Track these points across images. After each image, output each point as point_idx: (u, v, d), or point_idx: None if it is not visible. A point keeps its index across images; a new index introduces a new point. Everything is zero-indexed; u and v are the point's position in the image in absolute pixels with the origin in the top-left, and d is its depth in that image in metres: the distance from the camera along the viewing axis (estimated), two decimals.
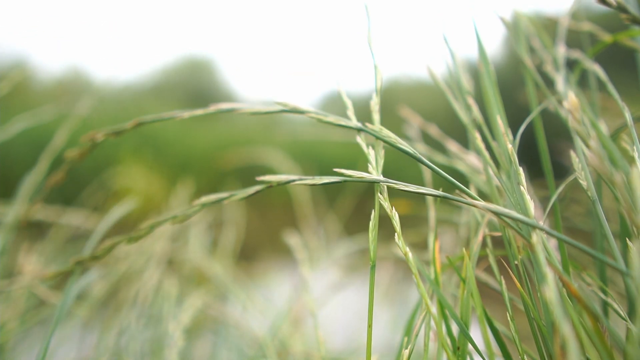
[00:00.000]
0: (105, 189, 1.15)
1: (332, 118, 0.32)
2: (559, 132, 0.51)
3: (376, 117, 0.33)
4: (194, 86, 7.19)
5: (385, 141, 0.32)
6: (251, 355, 0.59)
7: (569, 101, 0.27)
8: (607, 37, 0.41)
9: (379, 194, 0.30)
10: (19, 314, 0.61)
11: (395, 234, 0.30)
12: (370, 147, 0.32)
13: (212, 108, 0.31)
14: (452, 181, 0.30)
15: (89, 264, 0.28)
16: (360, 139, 0.33)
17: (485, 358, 0.29)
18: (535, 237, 0.26)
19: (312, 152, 4.32)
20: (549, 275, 0.23)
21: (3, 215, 0.61)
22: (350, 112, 0.33)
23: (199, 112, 0.31)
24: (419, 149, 0.51)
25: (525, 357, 0.30)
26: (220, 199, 0.28)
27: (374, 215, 0.30)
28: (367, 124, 0.32)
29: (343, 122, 0.32)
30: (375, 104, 0.33)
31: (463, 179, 0.41)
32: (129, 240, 0.27)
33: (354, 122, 0.32)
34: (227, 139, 4.27)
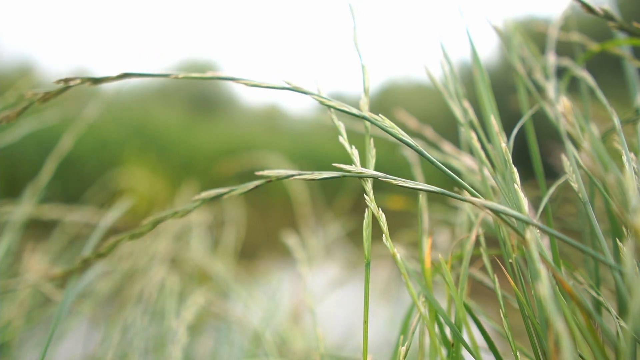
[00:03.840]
0: (109, 189, 1.16)
1: (334, 102, 0.31)
2: (546, 136, 0.53)
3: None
4: (197, 89, 7.21)
5: (386, 131, 0.31)
6: (252, 351, 0.60)
7: (563, 105, 0.28)
8: (594, 46, 0.42)
9: (365, 196, 0.30)
10: (25, 312, 0.62)
11: (383, 235, 0.29)
12: (371, 139, 0.31)
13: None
14: (453, 176, 0.30)
15: (93, 261, 0.28)
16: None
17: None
18: (529, 234, 0.26)
19: (312, 155, 4.33)
20: (543, 271, 0.23)
21: (10, 215, 0.62)
22: (349, 106, 0.32)
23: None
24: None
25: (518, 353, 0.30)
26: (220, 194, 0.28)
27: (367, 213, 0.30)
28: (369, 113, 0.31)
29: (345, 107, 0.31)
30: (364, 104, 0.32)
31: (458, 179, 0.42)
32: (131, 237, 0.27)
33: (356, 110, 0.32)
34: (229, 140, 4.27)
